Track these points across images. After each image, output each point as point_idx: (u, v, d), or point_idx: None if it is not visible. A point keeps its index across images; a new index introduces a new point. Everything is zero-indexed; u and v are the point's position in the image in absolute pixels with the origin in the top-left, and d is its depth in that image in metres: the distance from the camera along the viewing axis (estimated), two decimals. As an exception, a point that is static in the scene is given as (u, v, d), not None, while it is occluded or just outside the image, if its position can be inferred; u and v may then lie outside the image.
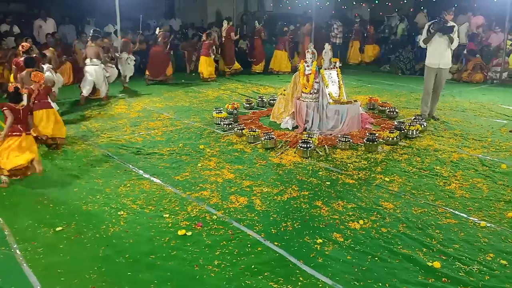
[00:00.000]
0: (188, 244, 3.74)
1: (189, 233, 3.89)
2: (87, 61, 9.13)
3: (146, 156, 5.91)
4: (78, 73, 10.38)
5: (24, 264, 3.46)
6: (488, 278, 3.27)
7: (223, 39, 12.97)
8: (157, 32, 11.99)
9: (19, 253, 3.61)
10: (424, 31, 7.55)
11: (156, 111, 8.54)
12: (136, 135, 6.91)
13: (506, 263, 3.45)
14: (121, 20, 10.95)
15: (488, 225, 4.04)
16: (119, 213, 4.29)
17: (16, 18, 12.94)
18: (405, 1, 17.11)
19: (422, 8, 15.01)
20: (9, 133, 4.89)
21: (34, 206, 4.47)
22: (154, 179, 5.13)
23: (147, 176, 5.24)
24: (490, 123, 7.54)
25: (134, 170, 5.43)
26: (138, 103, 9.25)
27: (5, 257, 3.57)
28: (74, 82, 10.98)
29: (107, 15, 12.70)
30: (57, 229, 3.99)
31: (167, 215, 4.24)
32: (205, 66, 12.09)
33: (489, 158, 5.78)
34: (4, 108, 4.91)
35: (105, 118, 7.96)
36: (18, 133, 4.92)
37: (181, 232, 3.89)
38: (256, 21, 14.09)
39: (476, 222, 4.10)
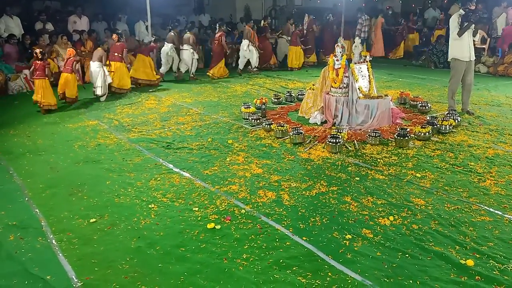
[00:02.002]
0: (217, 237, 3.78)
1: (218, 227, 3.94)
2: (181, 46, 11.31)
3: (175, 151, 6.00)
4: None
5: (60, 254, 3.58)
6: (524, 277, 3.17)
7: (305, 31, 13.56)
8: (261, 24, 13.31)
9: (55, 243, 3.75)
10: (455, 23, 7.33)
11: (186, 106, 8.64)
12: (166, 129, 7.02)
13: (544, 263, 3.33)
14: (152, 16, 11.15)
15: (525, 223, 3.92)
16: (150, 206, 4.38)
17: (50, 15, 13.30)
18: (439, -8, 16.61)
19: (456, -1, 14.55)
20: (33, 77, 8.25)
21: (69, 198, 4.62)
22: (184, 173, 5.21)
23: (177, 170, 5.32)
24: (528, 118, 7.27)
25: (164, 164, 5.53)
26: (168, 98, 9.39)
27: (42, 247, 3.70)
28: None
29: (138, 12, 12.92)
30: (91, 220, 4.11)
31: (196, 209, 4.29)
32: (294, 56, 12.90)
33: (526, 154, 5.59)
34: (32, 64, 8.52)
35: (136, 113, 8.11)
36: (36, 77, 8.10)
37: (210, 226, 3.94)
38: (330, 14, 14.74)
39: (511, 220, 3.98)
